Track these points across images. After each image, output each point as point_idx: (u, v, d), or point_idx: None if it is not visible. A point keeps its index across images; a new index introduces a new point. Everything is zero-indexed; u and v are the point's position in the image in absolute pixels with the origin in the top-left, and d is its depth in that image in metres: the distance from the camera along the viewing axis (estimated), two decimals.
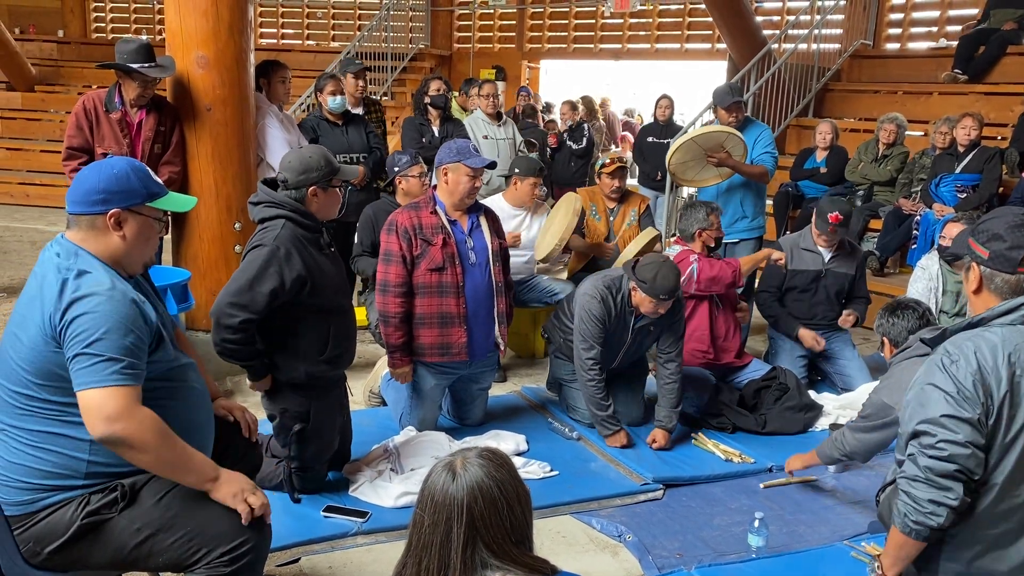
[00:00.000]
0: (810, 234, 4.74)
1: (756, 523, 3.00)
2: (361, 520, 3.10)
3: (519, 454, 3.73)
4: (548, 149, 8.12)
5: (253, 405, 4.28)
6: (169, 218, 4.53)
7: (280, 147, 4.84)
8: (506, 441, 3.78)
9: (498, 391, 4.42)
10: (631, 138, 10.95)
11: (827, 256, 4.71)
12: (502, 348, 3.89)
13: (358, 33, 11.65)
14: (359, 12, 13.01)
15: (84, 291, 1.96)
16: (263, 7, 13.08)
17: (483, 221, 3.80)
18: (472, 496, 1.54)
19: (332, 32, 13.19)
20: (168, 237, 4.65)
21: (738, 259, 4.62)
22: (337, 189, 3.12)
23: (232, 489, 2.07)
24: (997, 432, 1.96)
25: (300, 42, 13.14)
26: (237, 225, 4.58)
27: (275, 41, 12.94)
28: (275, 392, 3.13)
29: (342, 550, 3.00)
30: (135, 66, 4.20)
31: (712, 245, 4.45)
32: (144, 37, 6.49)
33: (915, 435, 2.03)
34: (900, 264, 6.62)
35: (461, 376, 3.87)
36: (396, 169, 4.67)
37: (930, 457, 1.97)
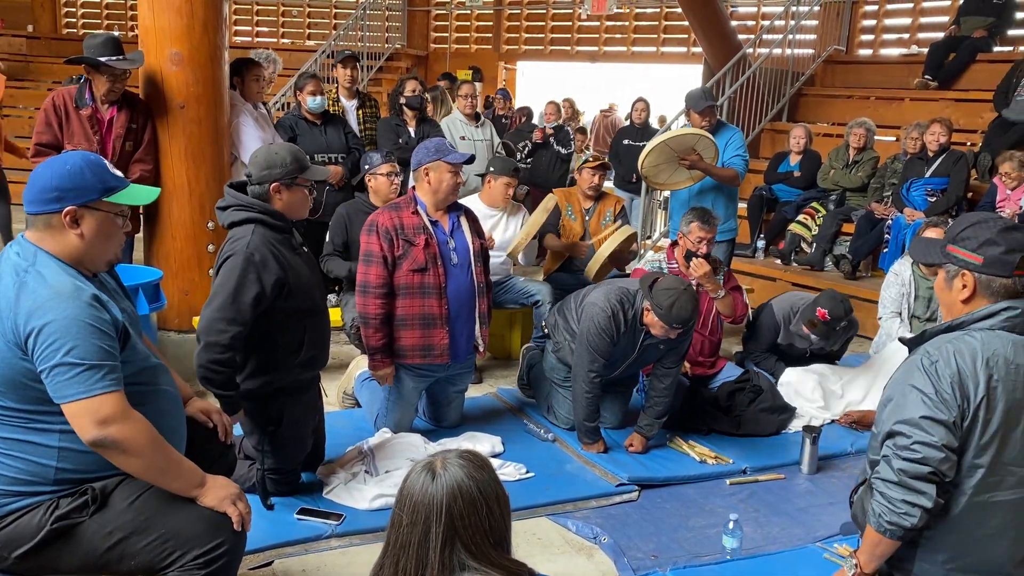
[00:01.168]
0: (800, 323, 4.37)
1: (731, 524, 3.02)
2: (335, 522, 3.08)
3: (495, 456, 3.72)
4: (527, 148, 8.10)
5: None
6: (140, 214, 4.51)
7: (255, 145, 4.78)
8: (482, 443, 3.77)
9: (473, 392, 4.40)
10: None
11: (816, 340, 4.39)
12: (482, 350, 3.88)
13: (334, 32, 11.59)
14: (335, 11, 12.95)
15: (43, 296, 1.90)
16: (237, 5, 12.97)
17: (463, 221, 3.79)
18: (452, 496, 1.53)
19: (307, 31, 13.11)
20: (140, 235, 4.60)
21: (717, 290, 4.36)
22: (304, 189, 3.02)
23: (220, 494, 2.05)
24: (972, 435, 1.98)
25: (275, 40, 13.04)
26: (210, 224, 4.52)
27: (250, 39, 12.83)
28: (249, 394, 3.09)
29: (316, 553, 2.97)
30: (103, 59, 4.15)
31: (696, 252, 4.28)
32: (116, 33, 6.41)
33: (890, 435, 2.05)
34: (872, 268, 6.70)
35: (438, 378, 3.85)
36: (367, 168, 4.65)
37: (904, 459, 1.99)
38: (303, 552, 2.96)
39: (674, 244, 4.52)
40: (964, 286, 2.11)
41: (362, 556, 2.95)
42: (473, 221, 3.89)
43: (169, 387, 2.18)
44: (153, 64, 4.33)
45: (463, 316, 3.75)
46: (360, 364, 4.28)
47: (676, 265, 4.43)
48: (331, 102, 5.70)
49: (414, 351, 3.66)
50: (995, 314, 2.03)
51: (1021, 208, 5.90)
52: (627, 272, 4.98)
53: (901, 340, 2.36)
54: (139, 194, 2.14)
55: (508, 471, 3.53)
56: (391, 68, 11.87)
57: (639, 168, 5.05)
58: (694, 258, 4.24)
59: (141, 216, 4.55)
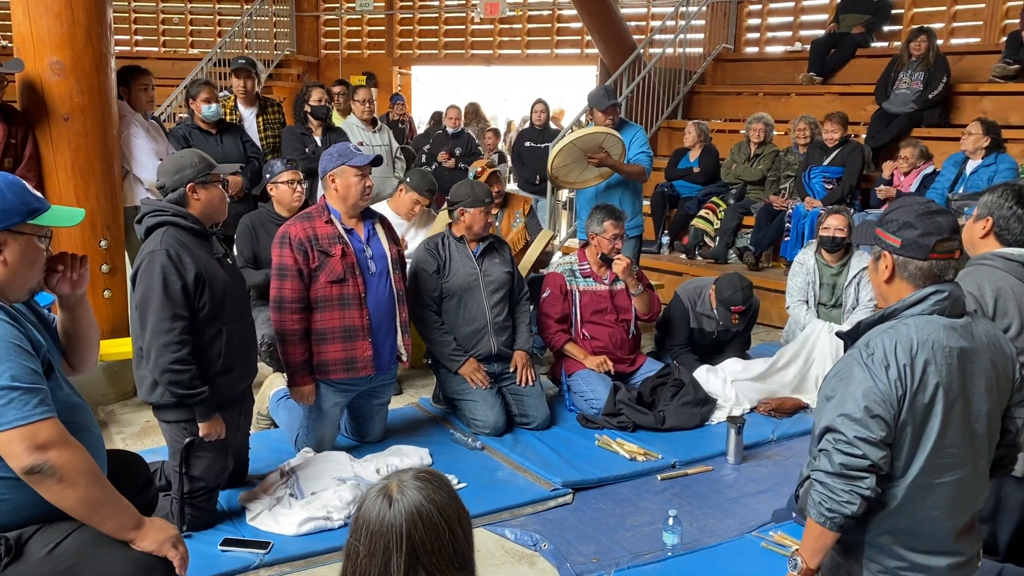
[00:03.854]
0: (707, 300, 4.65)
1: (671, 521, 3.01)
2: (262, 551, 2.91)
3: None
4: (424, 154, 8.00)
5: (131, 436, 4.01)
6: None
7: (147, 158, 4.56)
8: (409, 456, 3.66)
9: (395, 404, 4.28)
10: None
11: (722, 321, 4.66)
12: (405, 360, 3.77)
13: (219, 39, 11.18)
14: (219, 18, 12.49)
15: None
16: (114, 12, 12.33)
17: (379, 228, 3.68)
18: (411, 522, 1.44)
19: (190, 38, 12.61)
20: None
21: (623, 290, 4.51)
22: (219, 184, 2.98)
23: (160, 537, 1.91)
24: (913, 422, 2.01)
25: (156, 49, 12.48)
26: (103, 243, 4.26)
27: (128, 48, 12.24)
28: (169, 405, 2.92)
29: None
30: None
31: (609, 255, 4.37)
32: None
33: (829, 430, 2.06)
34: (773, 258, 6.90)
35: (360, 391, 3.72)
36: (268, 176, 4.47)
37: (844, 454, 2.00)
38: None
39: (585, 245, 4.52)
40: (885, 267, 2.15)
41: None
42: (388, 228, 3.78)
43: (93, 427, 2.01)
44: (32, 73, 4.03)
45: (385, 326, 3.63)
46: (274, 383, 4.10)
47: (588, 266, 4.44)
48: (228, 110, 5.47)
49: (337, 365, 3.52)
50: (924, 299, 2.07)
51: (912, 192, 6.20)
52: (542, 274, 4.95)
53: (837, 334, 2.39)
54: (64, 215, 1.97)
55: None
56: (281, 75, 11.54)
57: (548, 169, 5.03)
58: (616, 256, 4.31)
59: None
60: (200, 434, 2.90)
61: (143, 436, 4.04)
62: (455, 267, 4.02)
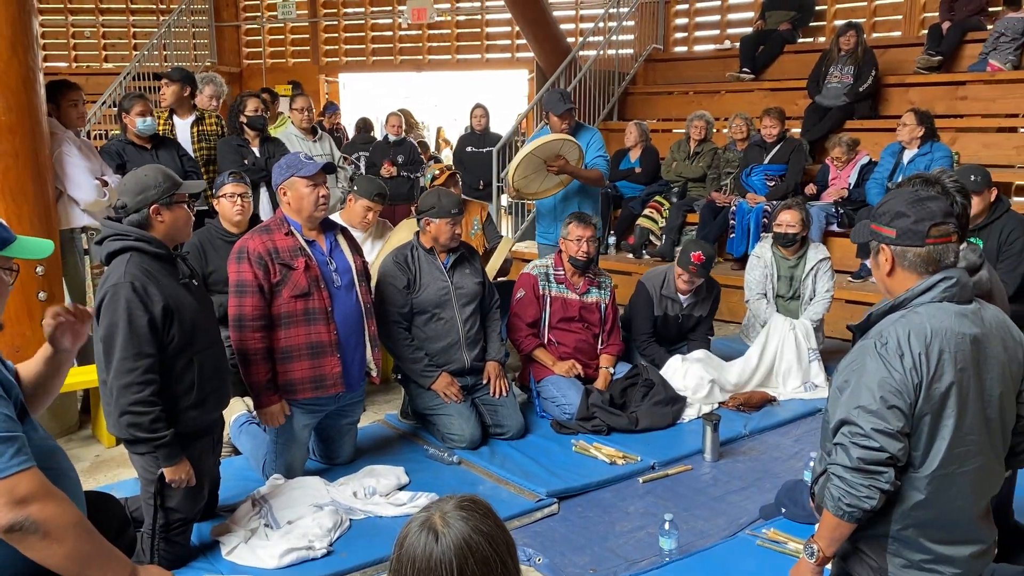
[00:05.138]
0: (672, 282, 4.66)
1: (667, 525, 2.96)
2: None
3: (401, 488, 3.48)
4: (361, 160, 7.82)
5: (81, 472, 3.75)
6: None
7: (82, 177, 4.30)
8: (385, 476, 3.51)
9: (360, 422, 4.10)
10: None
11: (685, 303, 4.71)
12: (375, 375, 3.62)
13: (136, 53, 10.76)
14: (133, 30, 12.04)
15: None
16: None
17: (341, 240, 3.53)
18: (462, 556, 1.34)
19: (104, 52, 12.11)
20: None
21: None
22: (184, 205, 2.81)
23: None
24: (931, 411, 1.99)
25: (67, 64, 11.95)
26: (39, 269, 3.99)
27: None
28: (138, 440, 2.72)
29: None
30: None
31: (578, 258, 4.30)
32: None
33: (845, 423, 2.02)
34: (719, 254, 6.95)
35: (328, 411, 3.56)
36: (214, 191, 4.27)
37: (862, 447, 1.97)
38: None
39: (561, 252, 4.45)
40: (885, 260, 2.14)
41: None
42: (351, 239, 3.64)
43: (72, 472, 1.83)
44: None
45: (353, 341, 3.49)
46: (234, 408, 3.90)
47: (563, 272, 4.37)
48: (161, 120, 5.23)
49: (304, 384, 3.36)
50: (933, 287, 2.06)
51: (849, 185, 6.33)
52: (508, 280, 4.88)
53: (848, 327, 2.36)
54: (32, 247, 1.80)
55: (421, 502, 3.30)
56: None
57: (510, 182, 4.92)
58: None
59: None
60: (166, 480, 2.71)
61: (94, 472, 3.80)
62: (425, 281, 3.90)
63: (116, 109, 5.12)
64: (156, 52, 10.55)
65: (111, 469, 3.82)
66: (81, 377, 4.07)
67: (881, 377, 1.98)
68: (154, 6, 12.01)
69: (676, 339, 4.85)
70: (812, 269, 4.83)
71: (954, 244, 2.11)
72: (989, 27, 7.32)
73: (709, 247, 4.73)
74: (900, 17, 8.65)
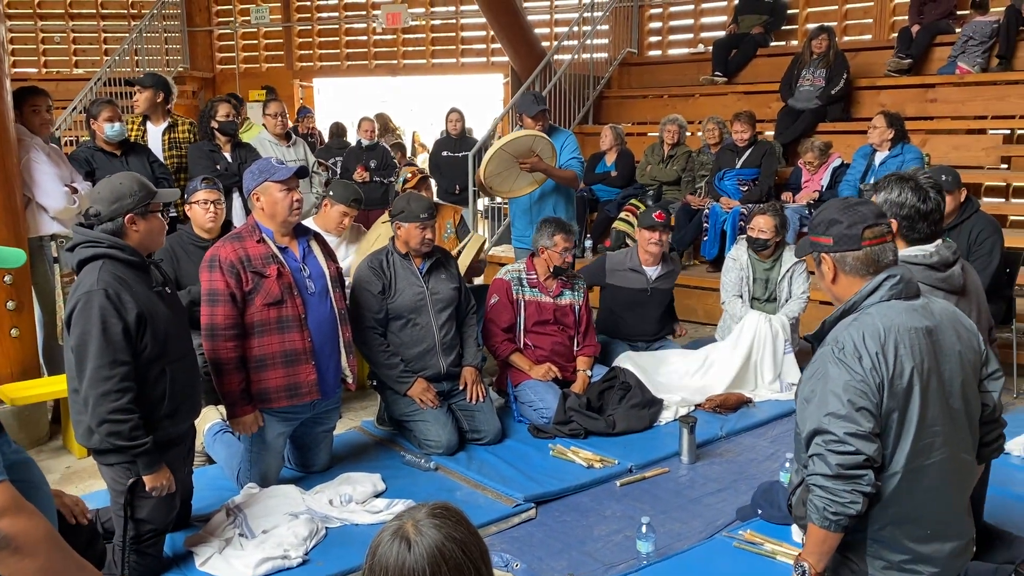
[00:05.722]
0: (635, 255, 4.86)
1: (643, 528, 2.96)
2: None
3: (378, 495, 3.46)
4: (337, 164, 7.78)
5: (51, 484, 3.69)
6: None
7: (51, 184, 4.25)
8: (361, 483, 3.49)
9: (337, 429, 4.04)
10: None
11: (652, 275, 4.84)
12: (351, 381, 3.60)
13: (107, 58, 10.63)
14: (104, 35, 11.90)
15: None
16: None
17: (314, 246, 3.50)
18: (436, 565, 1.33)
19: (74, 58, 11.97)
20: None
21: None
22: (158, 214, 2.79)
23: None
24: (896, 408, 2.01)
25: (36, 70, 11.79)
26: (7, 278, 3.94)
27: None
28: (108, 450, 2.69)
29: None
30: None
31: (563, 267, 4.37)
32: None
33: (818, 432, 2.04)
34: (694, 256, 7.00)
35: (303, 419, 3.53)
36: (186, 197, 4.23)
37: (839, 453, 1.98)
38: None
39: (533, 256, 4.45)
40: (828, 268, 2.19)
41: None
42: (324, 245, 3.62)
43: (44, 485, 1.80)
44: None
45: (328, 348, 3.46)
46: (208, 416, 3.86)
47: (536, 276, 4.38)
48: (134, 127, 5.17)
49: (279, 393, 3.33)
50: (879, 287, 2.09)
51: (822, 188, 6.38)
52: (482, 283, 4.86)
53: (804, 338, 2.39)
54: (5, 256, 1.76)
55: (398, 509, 3.28)
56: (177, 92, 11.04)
57: (480, 177, 4.93)
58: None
59: None
60: (146, 488, 2.68)
61: (64, 484, 3.74)
62: (401, 286, 3.87)
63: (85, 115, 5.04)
64: (127, 57, 10.44)
65: (82, 480, 3.77)
66: (52, 387, 4.01)
67: (845, 381, 2.00)
68: (125, 11, 11.89)
69: (652, 323, 4.92)
70: (787, 271, 4.87)
71: (890, 244, 2.16)
72: (958, 30, 7.42)
73: (664, 209, 5.01)
74: (871, 20, 8.74)
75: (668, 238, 4.88)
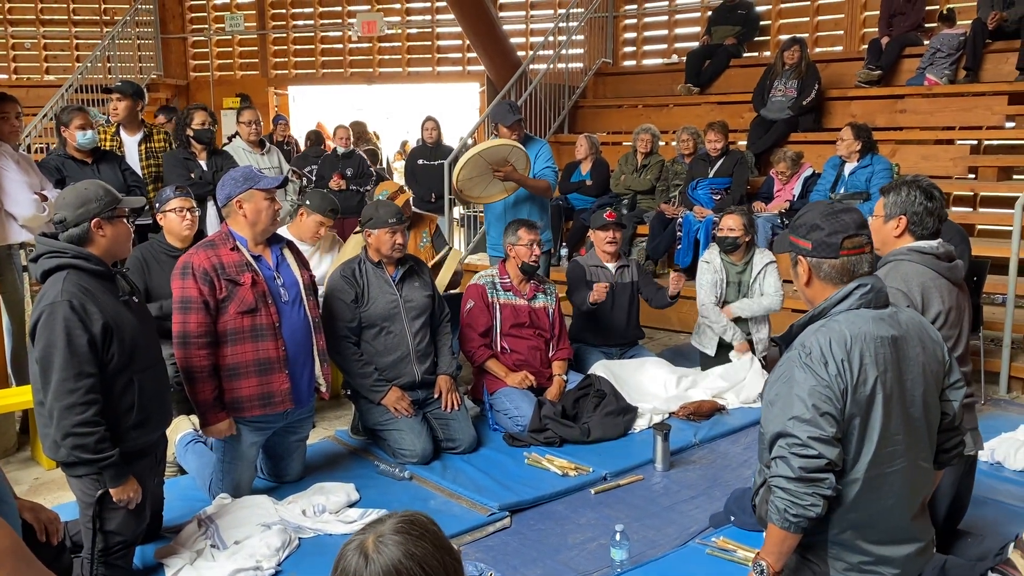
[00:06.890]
0: (594, 254, 5.02)
1: (617, 536, 2.97)
2: None
3: (351, 505, 3.44)
4: (313, 172, 7.75)
5: (26, 493, 3.64)
6: None
7: (20, 191, 4.21)
8: (335, 493, 3.46)
9: (310, 439, 4.03)
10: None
11: (615, 269, 4.95)
12: (324, 390, 3.58)
13: (79, 65, 10.54)
14: (76, 42, 11.79)
15: None
16: None
17: (288, 254, 3.49)
18: None
19: (45, 64, 11.84)
20: None
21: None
22: (124, 220, 2.77)
23: None
24: (858, 415, 2.04)
25: (7, 76, 11.66)
26: None
27: None
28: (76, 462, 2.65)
29: None
30: None
31: (530, 263, 4.41)
32: None
33: (782, 435, 2.06)
34: (669, 264, 7.04)
35: (276, 428, 3.51)
36: (157, 206, 4.19)
37: (801, 456, 2.01)
38: None
39: (505, 260, 4.47)
40: (803, 271, 2.22)
41: None
42: (297, 253, 3.60)
43: (9, 498, 1.77)
44: None
45: (301, 356, 3.44)
46: (180, 426, 3.82)
47: (509, 279, 4.39)
48: (108, 136, 5.13)
49: (252, 402, 3.31)
50: (849, 295, 2.12)
51: (794, 197, 6.46)
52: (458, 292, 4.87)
53: (772, 340, 2.43)
54: None
55: (372, 519, 3.26)
56: (149, 100, 10.95)
57: (453, 182, 4.94)
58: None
59: None
60: (113, 500, 2.65)
61: (33, 495, 3.67)
62: (374, 294, 3.87)
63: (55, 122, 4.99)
64: (100, 64, 10.36)
65: (51, 492, 3.71)
66: (19, 398, 3.96)
67: (811, 386, 2.03)
68: (97, 17, 11.80)
69: (621, 322, 4.99)
70: (760, 272, 4.93)
71: (867, 255, 2.19)
72: (926, 43, 7.55)
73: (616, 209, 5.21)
74: (841, 32, 8.86)
75: (620, 236, 5.05)
